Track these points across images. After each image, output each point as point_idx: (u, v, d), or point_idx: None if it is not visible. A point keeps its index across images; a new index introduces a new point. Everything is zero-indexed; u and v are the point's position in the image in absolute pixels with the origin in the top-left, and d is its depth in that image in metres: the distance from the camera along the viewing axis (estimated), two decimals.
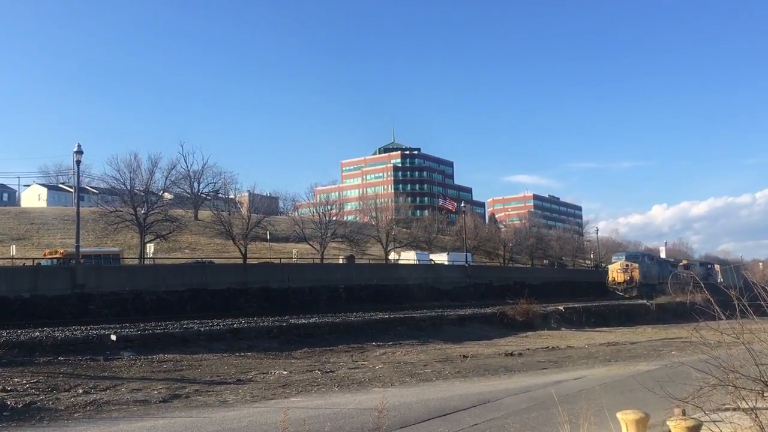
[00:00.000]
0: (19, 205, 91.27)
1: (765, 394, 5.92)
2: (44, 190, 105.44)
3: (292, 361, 17.57)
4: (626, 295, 53.71)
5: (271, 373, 15.11)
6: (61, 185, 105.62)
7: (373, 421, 5.42)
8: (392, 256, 60.34)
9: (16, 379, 12.38)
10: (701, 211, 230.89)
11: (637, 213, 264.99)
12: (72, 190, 70.42)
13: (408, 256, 59.85)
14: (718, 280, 69.73)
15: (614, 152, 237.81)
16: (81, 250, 40.44)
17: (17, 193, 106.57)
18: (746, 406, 5.97)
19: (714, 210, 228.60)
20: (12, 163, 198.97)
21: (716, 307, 6.41)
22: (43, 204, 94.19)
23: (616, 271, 57.39)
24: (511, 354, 20.66)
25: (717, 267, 76.89)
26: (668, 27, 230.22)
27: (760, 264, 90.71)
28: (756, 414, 5.83)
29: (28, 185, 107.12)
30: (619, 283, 56.12)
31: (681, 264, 68.19)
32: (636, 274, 55.87)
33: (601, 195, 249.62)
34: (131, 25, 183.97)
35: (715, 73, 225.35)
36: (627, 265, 56.68)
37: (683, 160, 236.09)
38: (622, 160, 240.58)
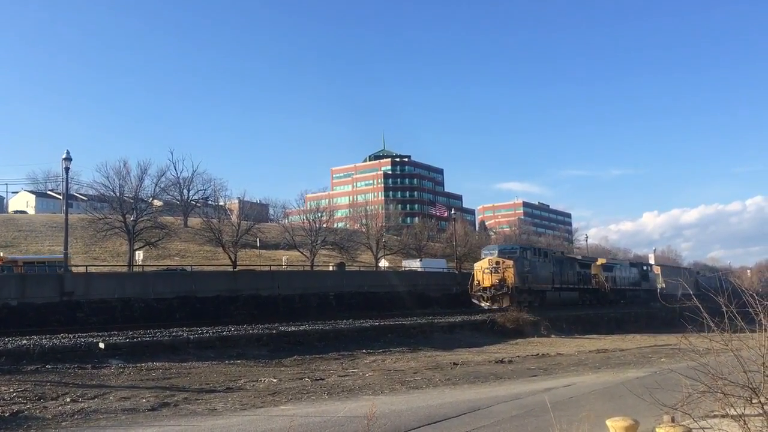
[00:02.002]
0: (7, 212, 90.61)
1: (753, 401, 5.95)
2: (32, 197, 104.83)
3: (282, 368, 17.50)
4: (493, 306, 37.92)
5: (260, 380, 15.04)
6: (49, 192, 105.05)
7: (363, 428, 5.40)
8: (382, 263, 60.37)
9: (2, 388, 12.27)
10: (692, 218, 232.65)
11: (628, 220, 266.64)
12: (60, 197, 70.01)
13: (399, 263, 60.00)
14: (658, 286, 61.86)
15: (604, 160, 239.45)
16: (21, 257, 39.67)
17: (5, 200, 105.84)
18: (735, 413, 6.00)
19: (705, 217, 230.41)
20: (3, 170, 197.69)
21: (705, 315, 6.45)
22: (31, 211, 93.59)
23: (482, 271, 40.02)
24: (501, 361, 20.67)
25: (657, 269, 66.97)
26: (660, 33, 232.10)
27: (748, 271, 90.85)
28: (744, 421, 5.86)
29: (17, 192, 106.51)
30: (485, 289, 39.19)
31: (597, 264, 53.44)
32: (510, 275, 38.77)
33: (592, 202, 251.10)
34: (121, 30, 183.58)
35: (704, 81, 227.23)
36: (498, 263, 39.34)
37: (673, 168, 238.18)
38: (612, 168, 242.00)
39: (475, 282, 40.23)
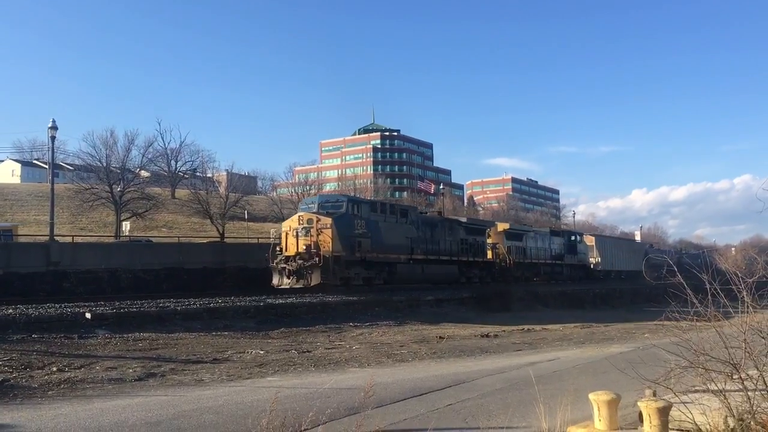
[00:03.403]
0: None
1: (734, 377, 6.05)
2: (18, 166, 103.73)
3: (269, 340, 17.56)
4: (297, 284, 26.26)
5: (247, 352, 15.10)
6: (35, 161, 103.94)
7: (351, 400, 5.44)
8: None
9: None
10: (680, 195, 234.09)
11: (616, 197, 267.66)
12: (46, 167, 69.38)
13: None
14: (591, 260, 54.15)
15: (593, 137, 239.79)
16: None
17: None
18: (715, 388, 6.10)
19: (692, 195, 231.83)
20: None
21: (689, 291, 6.52)
22: (17, 180, 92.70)
23: (288, 234, 27.52)
24: (487, 335, 20.85)
25: (590, 240, 55.77)
26: (645, 11, 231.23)
27: (733, 249, 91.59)
28: (725, 396, 5.96)
29: (2, 161, 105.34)
30: (288, 259, 26.71)
31: (497, 230, 42.77)
32: (326, 239, 26.41)
33: (580, 179, 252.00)
34: (108, 9, 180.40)
35: (691, 59, 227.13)
36: (311, 221, 26.91)
37: (662, 145, 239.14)
38: (601, 145, 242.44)
39: (276, 250, 27.55)
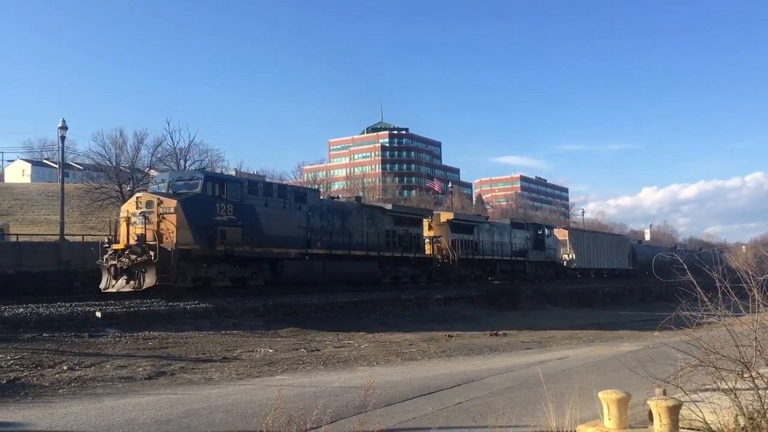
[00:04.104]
0: (3, 181, 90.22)
1: (744, 375, 6.01)
2: (28, 166, 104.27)
3: (278, 339, 17.61)
4: (127, 286, 20.34)
5: (256, 351, 15.15)
6: (45, 161, 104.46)
7: (359, 398, 5.45)
8: None
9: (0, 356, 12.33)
10: (691, 193, 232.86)
11: (627, 195, 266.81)
12: (56, 166, 69.71)
13: None
14: (563, 257, 48.49)
15: (603, 135, 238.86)
16: None
17: (1, 168, 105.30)
18: (726, 387, 6.06)
19: (703, 193, 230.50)
20: None
21: (699, 290, 6.48)
22: (27, 179, 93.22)
23: (124, 222, 21.21)
24: (496, 334, 20.82)
25: (563, 235, 50.28)
26: (655, 8, 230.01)
27: (743, 247, 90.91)
28: (735, 394, 5.92)
29: (12, 161, 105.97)
30: (117, 253, 20.59)
31: (441, 220, 36.32)
32: (169, 227, 20.40)
33: (590, 177, 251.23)
34: (118, 1, 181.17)
35: (702, 56, 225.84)
36: (152, 203, 20.73)
37: (672, 143, 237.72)
38: (610, 143, 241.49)
39: (105, 242, 21.78)
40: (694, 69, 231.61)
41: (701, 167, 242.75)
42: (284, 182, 55.94)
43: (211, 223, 21.41)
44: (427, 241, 34.78)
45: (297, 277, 25.33)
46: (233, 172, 77.62)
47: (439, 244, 35.23)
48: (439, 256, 34.94)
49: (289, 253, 24.55)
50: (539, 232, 45.76)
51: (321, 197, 31.16)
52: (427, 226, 35.28)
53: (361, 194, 71.23)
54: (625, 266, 58.12)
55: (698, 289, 6.43)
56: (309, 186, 41.83)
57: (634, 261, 59.42)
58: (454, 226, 36.37)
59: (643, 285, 47.19)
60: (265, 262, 23.99)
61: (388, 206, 33.57)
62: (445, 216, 37.30)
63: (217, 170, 75.47)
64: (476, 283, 36.35)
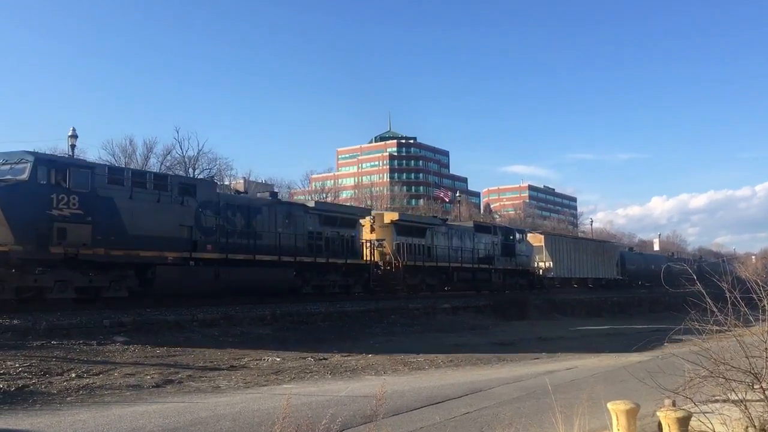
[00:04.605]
0: None
1: (755, 386, 5.97)
2: None
3: (285, 348, 17.59)
4: None
5: (264, 359, 15.14)
6: None
7: (367, 407, 5.44)
8: None
9: (8, 363, 12.36)
10: (700, 203, 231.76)
11: (636, 204, 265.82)
12: None
13: None
14: (539, 265, 44.22)
15: (611, 144, 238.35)
16: None
17: None
18: (736, 398, 6.02)
19: (713, 203, 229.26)
20: (5, 145, 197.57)
21: (709, 300, 6.45)
22: None
23: None
24: (503, 343, 20.75)
25: (538, 240, 45.37)
26: (664, 17, 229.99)
27: (753, 257, 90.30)
28: (745, 406, 5.88)
29: None
30: None
31: (385, 221, 32.20)
32: None
33: (599, 186, 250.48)
34: (128, 8, 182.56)
35: (711, 64, 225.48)
36: None
37: (680, 152, 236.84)
38: (618, 152, 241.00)
39: None
40: (703, 77, 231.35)
41: (711, 176, 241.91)
42: (254, 182, 55.29)
43: (43, 218, 17.37)
44: (368, 245, 30.40)
45: (175, 286, 21.11)
46: (242, 181, 77.92)
47: (381, 249, 30.85)
48: (379, 262, 30.89)
49: (165, 258, 20.45)
50: (509, 237, 40.88)
51: (219, 191, 26.97)
52: (368, 228, 31.16)
53: (369, 203, 71.26)
54: (613, 275, 54.44)
55: (707, 299, 6.40)
56: (200, 178, 38.41)
57: (623, 270, 56.35)
58: (400, 228, 32.17)
59: (632, 296, 46.61)
60: (130, 268, 19.83)
61: (311, 203, 29.27)
62: (389, 216, 33.25)
63: (226, 179, 75.93)
64: (429, 294, 32.74)
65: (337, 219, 28.58)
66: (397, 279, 30.75)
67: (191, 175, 69.50)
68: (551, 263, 44.77)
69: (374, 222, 31.86)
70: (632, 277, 57.67)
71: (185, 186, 22.23)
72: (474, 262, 36.64)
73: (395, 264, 30.44)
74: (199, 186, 23.22)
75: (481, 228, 39.83)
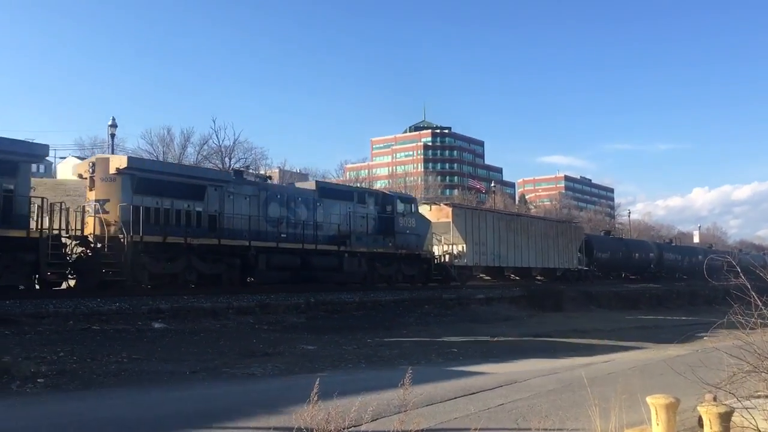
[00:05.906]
0: (56, 177, 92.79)
1: None
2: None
3: (319, 336, 17.69)
4: None
5: (298, 347, 15.24)
6: None
7: (400, 397, 5.43)
8: None
9: (50, 347, 12.67)
10: (744, 194, 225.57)
11: (676, 196, 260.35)
12: None
13: None
14: (440, 251, 31.67)
15: (650, 134, 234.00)
16: None
17: (53, 165, 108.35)
18: None
19: (757, 194, 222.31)
20: (48, 135, 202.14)
21: (753, 294, 6.28)
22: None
23: None
24: (538, 335, 20.56)
25: (444, 214, 32.67)
26: (707, 8, 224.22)
27: None
28: None
29: (64, 158, 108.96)
30: None
31: (100, 169, 19.69)
32: None
33: (637, 177, 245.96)
34: (163, 8, 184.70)
35: (751, 54, 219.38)
36: None
37: (723, 142, 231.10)
38: (658, 142, 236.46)
39: None
40: (746, 69, 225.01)
41: (756, 167, 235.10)
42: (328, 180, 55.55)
43: None
44: (84, 209, 20.19)
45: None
46: (277, 171, 78.49)
47: (103, 216, 19.25)
48: (92, 236, 19.32)
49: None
50: (386, 208, 28.69)
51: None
52: (87, 187, 20.54)
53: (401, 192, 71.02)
54: (573, 265, 42.06)
55: (753, 293, 6.23)
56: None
57: (590, 259, 44.24)
58: (143, 182, 20.12)
59: (671, 288, 44.50)
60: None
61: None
62: (118, 161, 20.38)
63: (261, 168, 76.56)
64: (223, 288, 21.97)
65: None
66: (127, 264, 18.94)
67: (228, 165, 70.36)
68: (464, 246, 32.36)
69: (94, 172, 20.04)
70: (602, 268, 46.40)
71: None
72: (313, 241, 24.83)
73: (124, 240, 18.87)
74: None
75: (330, 193, 27.23)
